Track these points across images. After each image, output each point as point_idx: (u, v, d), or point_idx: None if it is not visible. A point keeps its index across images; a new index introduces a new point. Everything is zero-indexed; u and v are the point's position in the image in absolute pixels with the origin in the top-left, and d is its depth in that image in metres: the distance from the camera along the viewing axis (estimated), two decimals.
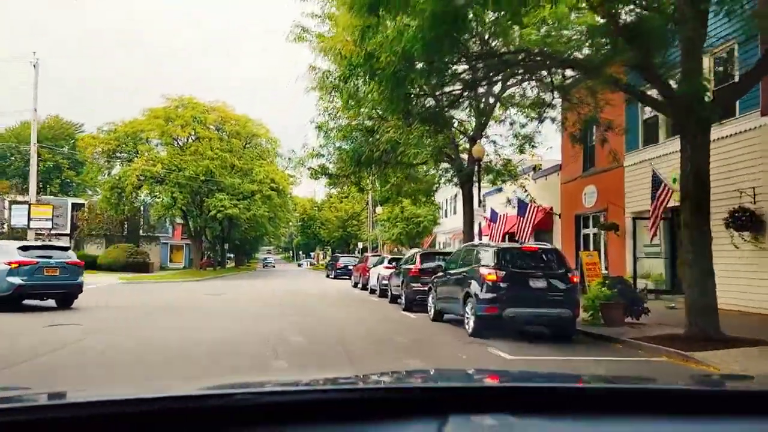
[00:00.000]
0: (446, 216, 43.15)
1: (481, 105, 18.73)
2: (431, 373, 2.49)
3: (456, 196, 37.55)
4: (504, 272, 10.62)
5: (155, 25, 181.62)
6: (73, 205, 53.26)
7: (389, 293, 19.70)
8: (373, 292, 24.54)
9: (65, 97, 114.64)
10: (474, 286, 11.06)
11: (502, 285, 10.55)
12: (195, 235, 45.60)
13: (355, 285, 30.83)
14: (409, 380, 2.02)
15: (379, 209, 42.33)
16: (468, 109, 18.41)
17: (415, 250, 20.86)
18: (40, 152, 76.02)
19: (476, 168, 19.42)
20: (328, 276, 45.66)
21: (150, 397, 1.39)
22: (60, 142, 71.73)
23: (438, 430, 1.23)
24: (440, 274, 13.77)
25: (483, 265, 11.02)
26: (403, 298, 16.82)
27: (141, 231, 55.48)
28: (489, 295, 10.60)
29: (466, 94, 13.83)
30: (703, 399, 1.57)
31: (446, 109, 14.18)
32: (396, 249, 48.79)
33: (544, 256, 11.23)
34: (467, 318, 11.20)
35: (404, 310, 16.33)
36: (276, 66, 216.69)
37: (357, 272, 30.92)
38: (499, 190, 26.04)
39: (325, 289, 30.03)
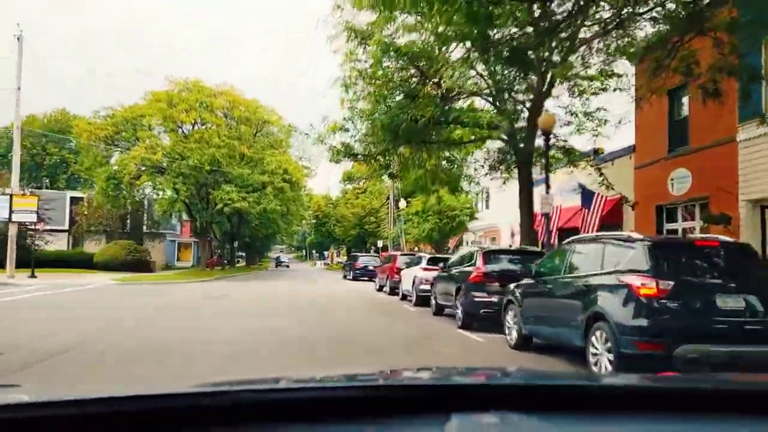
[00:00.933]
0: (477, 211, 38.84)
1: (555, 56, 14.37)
2: (434, 370, 2.26)
3: (484, 190, 33.24)
4: (672, 282, 6.35)
5: (155, 25, 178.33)
6: (72, 198, 49.57)
7: (433, 302, 15.49)
8: (406, 298, 20.38)
9: (65, 97, 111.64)
10: (610, 305, 6.82)
11: (669, 304, 6.29)
12: (201, 231, 41.69)
13: (381, 288, 26.72)
14: (412, 378, 1.97)
15: (402, 203, 38.13)
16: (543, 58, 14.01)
17: (472, 248, 16.55)
18: (47, 147, 73.30)
19: (546, 142, 15.18)
20: (345, 277, 41.60)
21: (146, 394, 1.36)
22: (67, 134, 68.18)
23: (441, 428, 1.23)
24: (528, 282, 9.54)
25: (628, 271, 6.73)
26: (459, 311, 12.57)
27: (144, 227, 51.78)
28: (644, 322, 6.36)
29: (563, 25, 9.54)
30: (712, 397, 1.50)
31: (537, 45, 9.89)
32: (417, 248, 44.63)
33: (731, 256, 6.89)
34: (595, 355, 6.94)
35: (462, 327, 12.11)
36: (276, 66, 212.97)
37: (383, 274, 26.75)
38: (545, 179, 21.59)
39: (347, 293, 25.94)
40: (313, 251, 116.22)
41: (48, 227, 37.43)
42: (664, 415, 1.37)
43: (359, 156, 19.35)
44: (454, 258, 15.48)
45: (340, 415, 1.28)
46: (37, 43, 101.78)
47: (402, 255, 25.57)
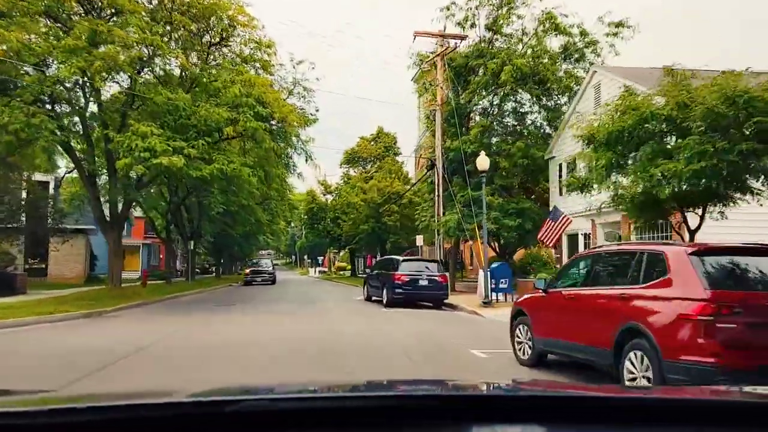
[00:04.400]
0: None
1: None
2: (452, 382, 2.23)
3: None
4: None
5: None
6: None
7: None
8: None
9: None
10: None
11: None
12: (111, 223, 23.44)
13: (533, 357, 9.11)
14: (431, 389, 1.96)
15: (483, 160, 19.88)
16: None
17: None
18: None
19: None
20: (369, 299, 23.61)
21: (152, 402, 1.38)
22: None
23: None
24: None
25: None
26: None
27: (50, 219, 33.35)
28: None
29: None
30: (732, 410, 1.49)
31: None
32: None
33: None
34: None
35: None
36: None
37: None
38: None
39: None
40: (305, 257, 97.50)
41: None
42: (689, 427, 1.35)
43: None
44: None
45: (354, 426, 1.27)
46: None
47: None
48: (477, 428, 1.24)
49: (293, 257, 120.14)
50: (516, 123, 29.03)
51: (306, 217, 58.52)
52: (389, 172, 45.05)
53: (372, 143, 59.11)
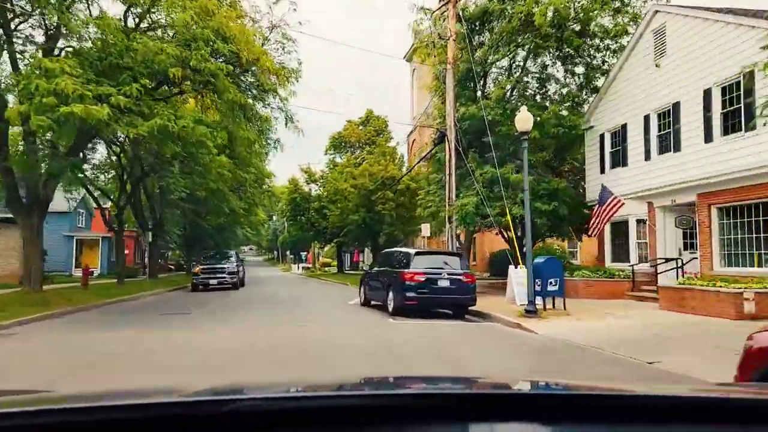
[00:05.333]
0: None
1: None
2: (449, 378, 2.30)
3: None
4: None
5: None
6: None
7: None
8: None
9: None
10: None
11: None
12: (29, 207, 17.89)
13: None
14: (430, 386, 1.93)
15: (524, 115, 14.54)
16: None
17: None
18: None
19: None
20: (368, 303, 18.37)
21: (146, 402, 1.35)
22: None
23: None
24: None
25: None
26: None
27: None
28: None
29: None
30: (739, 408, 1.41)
31: None
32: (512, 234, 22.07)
33: None
34: None
35: None
36: None
37: None
38: None
39: None
40: (287, 252, 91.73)
41: None
42: (692, 424, 1.31)
43: None
44: None
45: (354, 424, 1.24)
46: None
47: None
48: (475, 426, 1.21)
49: (275, 253, 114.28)
50: (540, 86, 23.77)
51: (288, 207, 52.90)
52: (382, 155, 39.66)
53: (361, 127, 53.72)
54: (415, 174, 35.86)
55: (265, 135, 21.81)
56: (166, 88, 15.39)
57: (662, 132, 18.28)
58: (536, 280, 14.59)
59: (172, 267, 59.60)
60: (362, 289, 19.02)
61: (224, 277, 26.32)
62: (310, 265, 67.40)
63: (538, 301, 14.66)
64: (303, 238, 62.27)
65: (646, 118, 18.76)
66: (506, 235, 29.06)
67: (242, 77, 16.21)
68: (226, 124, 16.23)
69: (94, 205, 33.86)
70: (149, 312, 16.74)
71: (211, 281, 26.10)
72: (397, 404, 1.35)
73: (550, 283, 14.71)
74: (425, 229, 24.11)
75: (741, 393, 1.77)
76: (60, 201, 44.67)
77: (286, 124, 17.71)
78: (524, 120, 14.72)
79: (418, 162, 26.08)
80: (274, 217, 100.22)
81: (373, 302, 17.99)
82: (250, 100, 16.63)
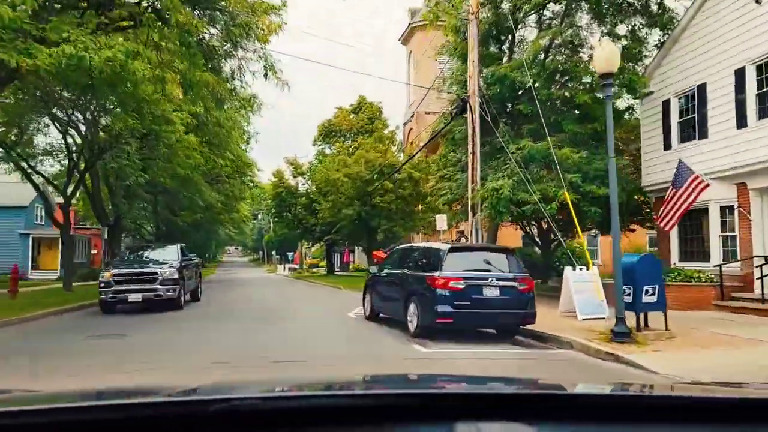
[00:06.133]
0: None
1: None
2: (437, 379, 2.23)
3: None
4: None
5: None
6: None
7: None
8: None
9: None
10: None
11: None
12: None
13: None
14: (417, 386, 1.92)
15: (609, 48, 10.05)
16: None
17: None
18: None
19: None
20: (375, 316, 13.72)
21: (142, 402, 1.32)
22: None
23: None
24: None
25: None
26: None
27: None
28: None
29: None
30: (712, 408, 1.40)
31: None
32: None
33: None
34: None
35: None
36: None
37: None
38: None
39: None
40: (273, 252, 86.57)
41: None
42: (678, 424, 1.30)
43: None
44: None
45: (344, 423, 1.22)
46: None
47: None
48: (462, 425, 1.19)
49: (261, 253, 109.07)
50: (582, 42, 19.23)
51: (273, 203, 48.07)
52: (379, 140, 35.08)
53: (352, 115, 49.12)
54: (418, 162, 31.36)
55: (238, 96, 16.96)
56: (93, 12, 10.62)
57: (762, 90, 13.90)
58: (625, 288, 10.09)
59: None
60: (367, 298, 14.36)
61: (154, 289, 15.63)
62: (297, 266, 62.53)
63: (629, 316, 10.14)
64: (289, 236, 57.44)
65: (739, 73, 14.35)
66: (528, 231, 24.63)
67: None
68: (177, 63, 11.47)
69: (60, 199, 28.90)
70: (81, 331, 11.95)
71: (131, 296, 15.42)
72: (385, 404, 1.33)
73: (646, 291, 10.18)
74: (441, 221, 19.51)
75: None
76: (15, 193, 39.62)
77: (266, 75, 13.00)
78: (608, 57, 10.19)
79: (432, 138, 21.42)
80: (260, 216, 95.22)
81: (382, 315, 13.42)
82: (212, 30, 11.92)
